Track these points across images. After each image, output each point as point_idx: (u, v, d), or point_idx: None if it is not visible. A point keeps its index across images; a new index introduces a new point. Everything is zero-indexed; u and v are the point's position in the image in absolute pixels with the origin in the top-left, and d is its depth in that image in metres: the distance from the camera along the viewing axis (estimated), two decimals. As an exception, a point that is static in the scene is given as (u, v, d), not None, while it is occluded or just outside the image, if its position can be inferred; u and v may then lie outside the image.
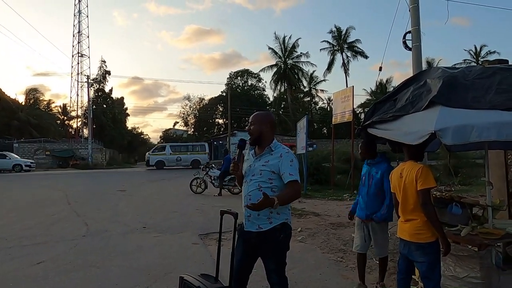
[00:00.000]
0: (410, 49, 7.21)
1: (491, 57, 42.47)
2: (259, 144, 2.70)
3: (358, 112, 45.66)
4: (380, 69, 10.57)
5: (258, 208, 2.39)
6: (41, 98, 49.65)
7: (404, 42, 7.35)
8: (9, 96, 44.62)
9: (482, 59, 45.81)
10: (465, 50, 51.85)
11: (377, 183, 3.67)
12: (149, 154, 29.88)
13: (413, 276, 3.39)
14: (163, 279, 4.24)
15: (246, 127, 2.77)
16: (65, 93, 73.87)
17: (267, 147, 2.66)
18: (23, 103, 45.98)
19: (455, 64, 36.51)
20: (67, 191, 13.33)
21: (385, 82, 49.89)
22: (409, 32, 7.24)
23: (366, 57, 48.59)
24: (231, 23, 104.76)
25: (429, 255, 2.76)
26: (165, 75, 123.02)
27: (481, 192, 9.58)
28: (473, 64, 42.85)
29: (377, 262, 4.11)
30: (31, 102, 47.04)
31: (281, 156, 2.60)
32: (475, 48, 48.92)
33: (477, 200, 3.89)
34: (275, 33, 59.84)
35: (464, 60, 47.49)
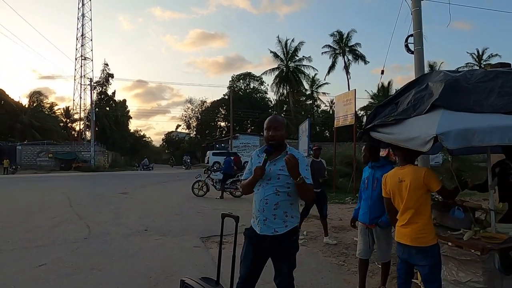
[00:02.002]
0: (412, 52, 7.18)
1: (494, 60, 42.34)
2: (279, 148, 2.68)
3: (360, 115, 45.62)
4: (382, 72, 10.56)
5: (293, 167, 2.46)
6: (44, 101, 49.92)
7: (406, 46, 7.33)
8: (12, 99, 44.91)
9: (484, 62, 45.70)
10: (468, 53, 51.60)
11: None
12: None
13: (414, 280, 3.37)
14: (164, 282, 4.24)
15: (269, 133, 2.63)
16: (70, 95, 73.93)
17: (283, 152, 2.66)
18: (26, 106, 46.18)
19: (458, 68, 36.45)
20: (69, 194, 13.37)
21: (387, 85, 49.90)
22: (411, 35, 7.22)
23: (366, 62, 48.69)
24: (235, 28, 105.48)
25: (431, 258, 2.76)
26: (169, 78, 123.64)
27: (483, 196, 9.53)
28: (475, 67, 42.74)
29: (379, 266, 4.10)
30: (34, 105, 47.22)
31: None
32: (478, 51, 48.82)
33: (480, 204, 3.86)
34: (278, 37, 60.26)
35: (467, 63, 47.38)
